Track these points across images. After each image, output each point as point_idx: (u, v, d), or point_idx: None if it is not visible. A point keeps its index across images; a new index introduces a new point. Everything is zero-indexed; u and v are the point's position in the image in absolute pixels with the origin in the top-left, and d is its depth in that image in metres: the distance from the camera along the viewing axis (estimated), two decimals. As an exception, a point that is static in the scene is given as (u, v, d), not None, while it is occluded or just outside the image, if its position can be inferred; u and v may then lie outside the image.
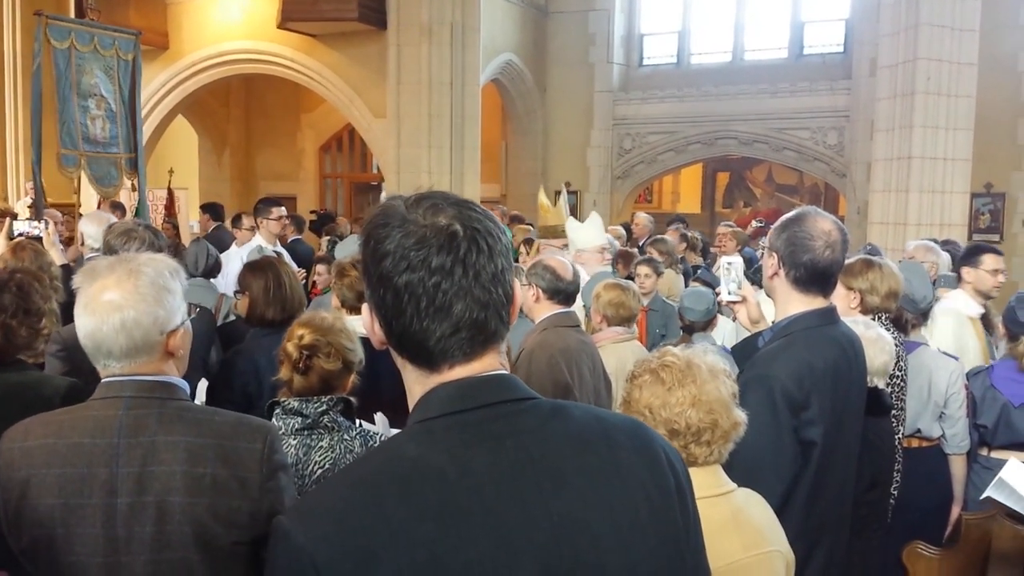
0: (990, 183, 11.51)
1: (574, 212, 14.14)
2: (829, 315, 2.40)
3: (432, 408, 1.11)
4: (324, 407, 2.39)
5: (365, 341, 2.44)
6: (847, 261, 3.54)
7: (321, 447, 2.36)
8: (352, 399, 2.48)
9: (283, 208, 6.91)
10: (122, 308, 1.72)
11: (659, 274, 6.22)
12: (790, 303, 2.40)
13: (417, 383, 1.14)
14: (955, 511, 3.88)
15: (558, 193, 9.30)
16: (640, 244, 8.53)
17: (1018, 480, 2.79)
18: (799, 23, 13.35)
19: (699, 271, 7.18)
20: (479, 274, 1.09)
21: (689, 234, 9.31)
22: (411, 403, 1.16)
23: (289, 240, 9.35)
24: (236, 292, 3.50)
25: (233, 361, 3.28)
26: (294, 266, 4.59)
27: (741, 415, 1.82)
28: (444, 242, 1.08)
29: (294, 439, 2.36)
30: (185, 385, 1.85)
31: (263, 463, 1.75)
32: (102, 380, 1.78)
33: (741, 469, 1.86)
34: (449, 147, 10.99)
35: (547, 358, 3.23)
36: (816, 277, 2.34)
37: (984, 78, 9.58)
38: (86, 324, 1.74)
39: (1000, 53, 10.82)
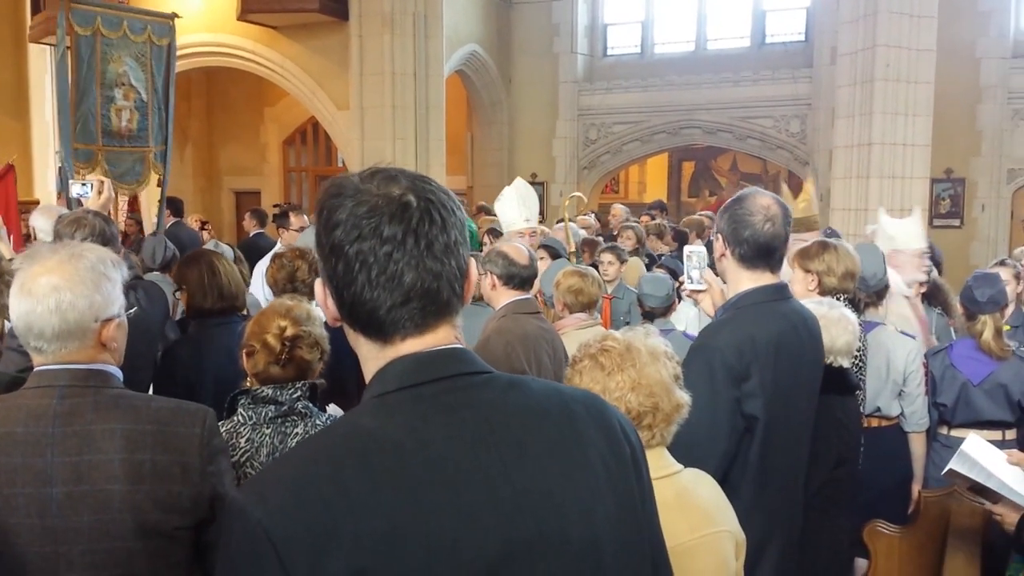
0: (950, 169, 11.68)
1: (540, 204, 14.20)
2: (779, 291, 2.43)
3: (388, 382, 1.10)
4: (299, 393, 2.36)
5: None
6: (803, 245, 3.57)
7: (296, 434, 2.32)
8: (320, 382, 2.46)
9: (304, 216, 6.49)
10: (59, 289, 1.68)
11: (623, 261, 6.22)
12: (740, 281, 2.43)
13: (372, 358, 1.13)
14: (915, 489, 3.92)
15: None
16: (614, 233, 8.54)
17: (979, 452, 2.82)
18: (761, 12, 13.43)
19: (662, 258, 7.20)
20: (431, 244, 1.08)
21: (656, 221, 9.33)
22: (367, 379, 1.14)
23: (251, 235, 9.27)
24: (175, 290, 3.45)
25: (175, 352, 3.23)
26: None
27: (684, 397, 1.81)
28: (396, 211, 1.07)
29: (268, 428, 2.31)
30: (119, 374, 1.81)
31: (203, 447, 1.73)
32: (34, 369, 1.74)
33: (679, 440, 1.85)
34: (414, 139, 10.91)
35: (503, 344, 3.20)
36: (760, 251, 2.38)
37: (943, 64, 9.68)
38: (21, 305, 1.70)
39: (958, 40, 10.96)
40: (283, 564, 0.97)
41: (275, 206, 11.92)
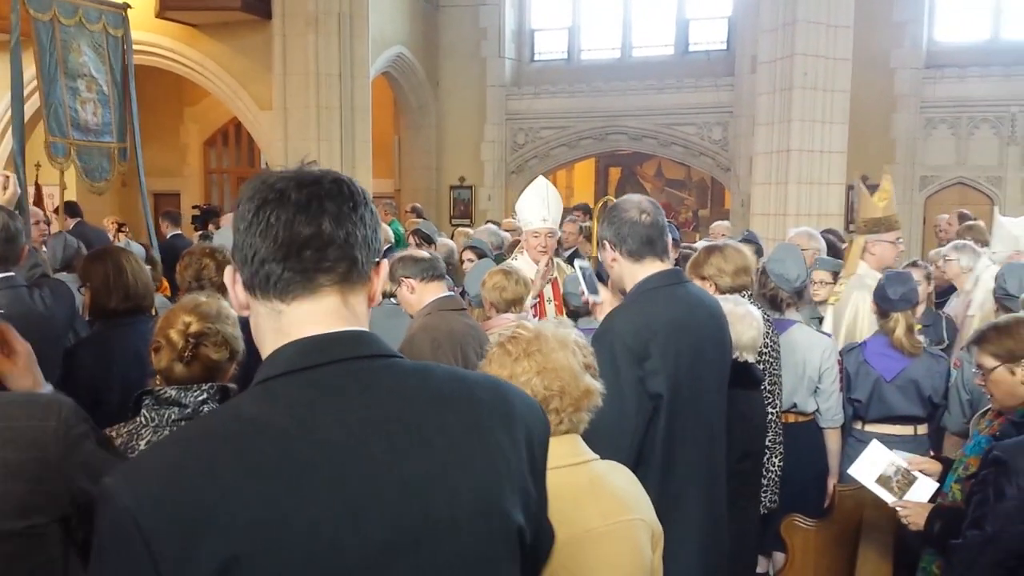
0: (865, 175, 12.03)
1: (468, 207, 14.18)
2: (673, 275, 2.54)
3: (276, 366, 1.07)
4: (204, 396, 2.25)
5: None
6: (693, 256, 3.67)
7: None
8: (232, 386, 2.35)
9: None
10: None
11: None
12: (636, 276, 2.52)
13: (271, 332, 1.11)
14: (830, 483, 4.01)
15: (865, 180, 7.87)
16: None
17: (876, 459, 2.92)
18: (684, 20, 13.68)
19: (590, 260, 7.23)
20: (337, 211, 1.09)
21: (584, 224, 9.39)
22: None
23: (168, 236, 9.01)
24: (79, 287, 3.31)
25: (77, 354, 3.09)
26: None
27: (595, 384, 1.82)
28: (305, 180, 1.10)
29: (169, 431, 2.21)
30: None
31: (59, 440, 1.65)
32: None
33: (592, 426, 1.86)
34: (339, 140, 10.77)
35: (430, 341, 3.17)
36: (643, 241, 2.49)
37: (858, 74, 10.00)
38: None
39: (873, 50, 11.34)
40: (150, 551, 0.95)
41: (195, 207, 11.63)
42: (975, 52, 11.96)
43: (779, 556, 3.85)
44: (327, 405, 1.04)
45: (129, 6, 7.00)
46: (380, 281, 1.17)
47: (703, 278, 3.51)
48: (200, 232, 8.42)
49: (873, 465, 2.92)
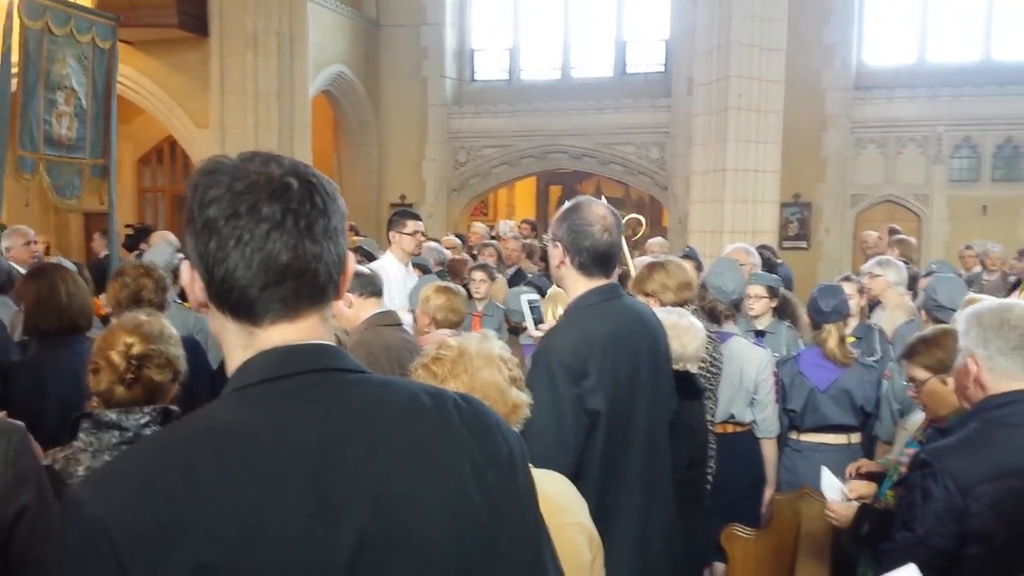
0: (798, 194, 12.38)
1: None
2: (611, 291, 2.52)
3: (251, 374, 1.05)
4: (147, 419, 2.18)
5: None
6: (636, 272, 3.72)
7: None
8: (174, 408, 2.29)
9: (420, 222, 5.37)
10: None
11: (493, 279, 6.25)
12: (577, 287, 2.51)
13: (239, 346, 1.07)
14: (768, 492, 4.08)
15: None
16: (474, 252, 8.58)
17: (832, 483, 3.00)
18: (622, 42, 13.91)
19: (530, 276, 7.27)
20: (312, 226, 1.04)
21: (526, 241, 9.43)
22: (230, 373, 1.08)
23: (101, 255, 8.79)
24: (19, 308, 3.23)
25: (13, 376, 2.99)
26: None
27: (522, 397, 1.83)
28: (277, 190, 1.03)
29: (109, 455, 2.13)
30: None
31: (7, 466, 1.60)
32: None
33: (531, 444, 1.87)
34: (278, 159, 10.67)
35: (365, 355, 3.15)
36: (598, 260, 2.47)
37: (791, 95, 10.29)
38: None
39: (805, 71, 11.68)
40: (120, 561, 0.92)
41: (127, 227, 11.38)
42: (902, 74, 12.40)
43: (719, 566, 3.90)
44: (302, 415, 1.02)
45: (120, 17, 6.80)
46: (350, 274, 1.15)
47: (647, 294, 3.55)
48: (135, 253, 8.22)
49: (834, 490, 3.00)
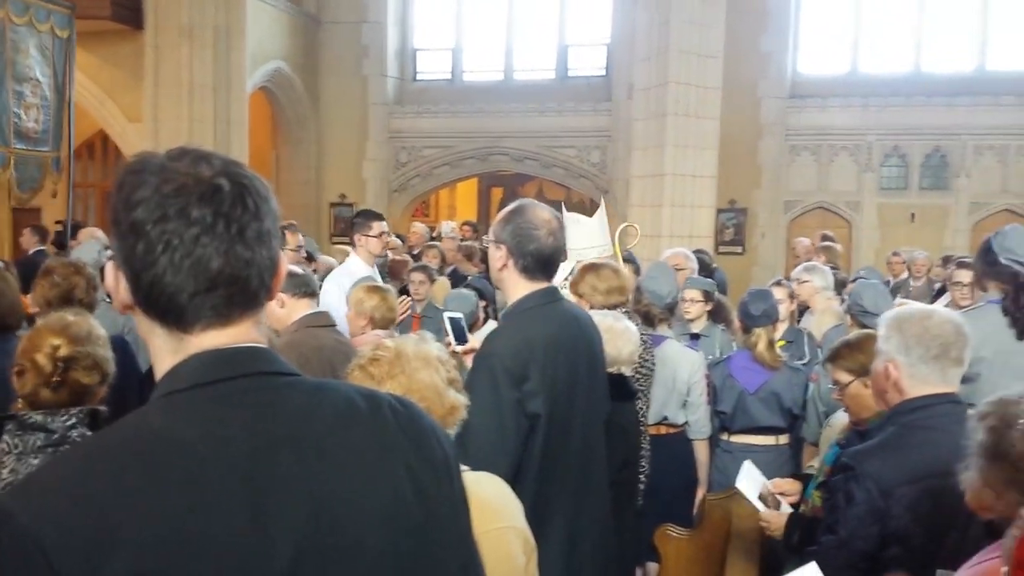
0: (734, 199, 12.60)
1: (349, 226, 14.00)
2: (550, 294, 2.53)
3: (181, 379, 1.02)
4: (73, 420, 2.13)
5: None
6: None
7: None
8: (102, 409, 2.23)
9: (384, 223, 5.22)
10: None
11: (432, 280, 6.23)
12: (518, 290, 2.51)
13: (167, 352, 1.05)
14: (700, 493, 4.15)
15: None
16: (414, 252, 8.55)
17: (753, 476, 3.05)
18: (564, 46, 13.99)
19: (470, 279, 7.27)
20: (243, 231, 1.01)
21: (464, 243, 9.42)
22: (158, 377, 1.06)
23: (31, 252, 8.54)
24: None
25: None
26: None
27: (459, 399, 1.82)
28: (207, 193, 1.00)
29: (35, 458, 2.08)
30: None
31: None
32: None
33: (470, 447, 1.87)
34: (214, 155, 10.48)
35: (297, 356, 3.10)
36: (542, 263, 2.47)
37: (728, 102, 10.48)
38: None
39: (742, 79, 11.89)
40: (53, 571, 0.90)
41: (58, 223, 11.07)
42: (835, 84, 12.72)
43: (652, 566, 3.95)
44: (233, 420, 1.00)
45: (75, 7, 6.59)
46: (283, 276, 1.13)
47: (579, 295, 3.60)
48: (62, 251, 8.02)
49: (751, 482, 3.04)
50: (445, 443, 1.17)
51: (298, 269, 3.53)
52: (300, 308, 3.37)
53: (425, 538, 1.09)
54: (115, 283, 1.06)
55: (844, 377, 2.89)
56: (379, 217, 5.24)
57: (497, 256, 2.49)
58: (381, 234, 5.12)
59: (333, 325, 3.48)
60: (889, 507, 2.10)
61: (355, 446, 1.06)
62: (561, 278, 4.06)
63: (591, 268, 3.68)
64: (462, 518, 1.18)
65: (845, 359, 2.89)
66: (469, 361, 2.83)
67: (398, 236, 10.00)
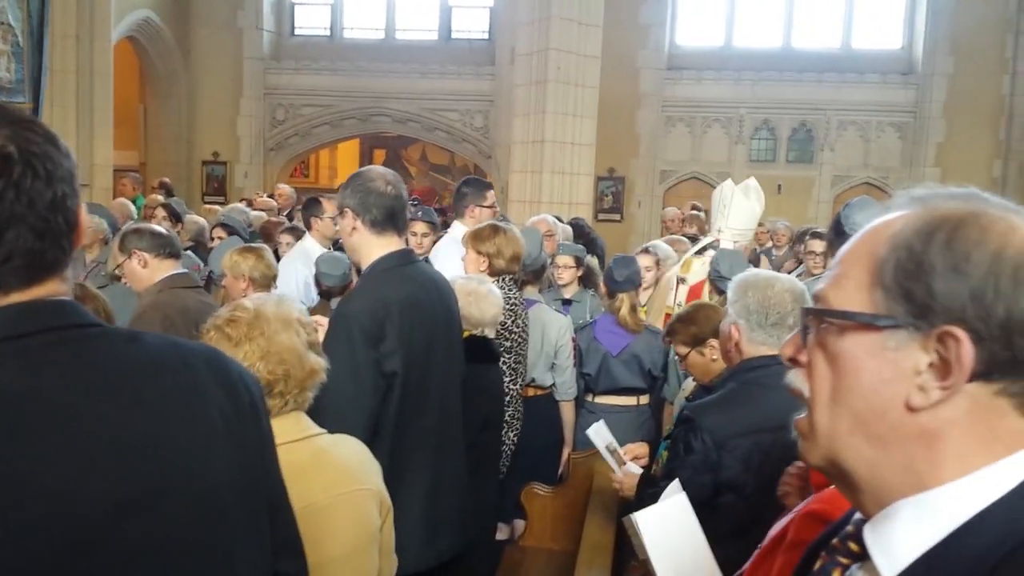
0: (612, 168, 12.86)
1: (223, 184, 13.57)
2: (405, 256, 2.60)
3: None
4: None
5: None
6: (477, 227, 3.78)
7: None
8: None
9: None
10: None
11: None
12: (372, 250, 2.55)
13: None
14: (565, 452, 4.29)
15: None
16: (287, 213, 8.37)
17: (604, 433, 3.17)
18: (447, 7, 13.85)
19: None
20: (34, 201, 1.01)
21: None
22: None
23: None
24: None
25: None
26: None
27: (319, 361, 1.83)
28: None
29: None
30: None
31: None
32: None
33: (327, 407, 1.89)
34: (75, 106, 9.89)
35: (161, 318, 3.04)
36: (388, 214, 2.52)
37: (608, 72, 10.62)
38: None
39: (621, 49, 12.08)
40: None
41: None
42: (710, 57, 13.10)
43: (519, 523, 4.07)
44: (47, 372, 1.02)
45: None
46: (84, 231, 1.12)
47: (479, 253, 3.62)
48: None
49: (601, 437, 3.15)
50: (252, 387, 1.23)
51: (162, 229, 3.43)
52: (164, 269, 3.28)
53: (241, 477, 1.16)
54: None
55: (682, 349, 3.08)
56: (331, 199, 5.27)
57: (345, 223, 2.55)
58: (334, 217, 5.09)
59: (199, 286, 3.40)
60: (721, 458, 2.25)
61: (168, 393, 1.10)
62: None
63: (499, 229, 3.68)
64: (271, 456, 1.25)
65: (679, 333, 3.08)
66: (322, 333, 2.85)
67: (271, 197, 9.77)
